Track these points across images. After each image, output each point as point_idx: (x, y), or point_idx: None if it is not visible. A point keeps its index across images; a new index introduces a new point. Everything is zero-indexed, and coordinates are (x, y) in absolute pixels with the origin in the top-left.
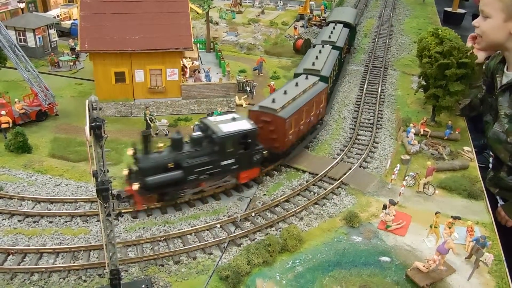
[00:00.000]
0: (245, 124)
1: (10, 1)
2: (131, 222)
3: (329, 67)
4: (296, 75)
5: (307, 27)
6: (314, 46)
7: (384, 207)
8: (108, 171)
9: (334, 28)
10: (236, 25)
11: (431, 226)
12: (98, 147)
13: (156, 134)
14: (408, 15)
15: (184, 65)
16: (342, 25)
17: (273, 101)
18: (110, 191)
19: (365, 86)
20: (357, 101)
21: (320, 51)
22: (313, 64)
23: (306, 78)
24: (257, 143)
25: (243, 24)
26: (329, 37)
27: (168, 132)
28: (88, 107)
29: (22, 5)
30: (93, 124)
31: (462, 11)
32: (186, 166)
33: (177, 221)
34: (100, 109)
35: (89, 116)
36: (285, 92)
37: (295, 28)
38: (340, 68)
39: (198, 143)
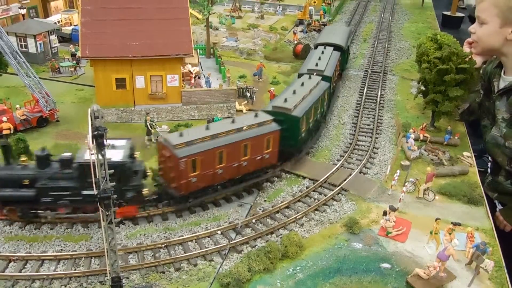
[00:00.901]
0: (118, 155)
1: (11, 7)
2: (132, 228)
3: (306, 107)
4: (267, 112)
5: (306, 32)
6: (299, 76)
7: (385, 213)
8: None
9: (322, 52)
10: (235, 30)
11: (431, 233)
12: (100, 155)
13: (156, 140)
14: (407, 20)
15: (189, 70)
16: (332, 48)
17: (181, 135)
18: (111, 199)
19: (365, 91)
20: (356, 107)
21: (302, 84)
22: (285, 100)
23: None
24: (134, 179)
25: (243, 29)
26: (316, 64)
27: None
28: (91, 115)
29: (23, 11)
30: (96, 132)
31: (461, 14)
32: (40, 186)
33: (178, 227)
34: (102, 117)
35: (92, 125)
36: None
37: (295, 33)
38: (329, 102)
39: (67, 165)
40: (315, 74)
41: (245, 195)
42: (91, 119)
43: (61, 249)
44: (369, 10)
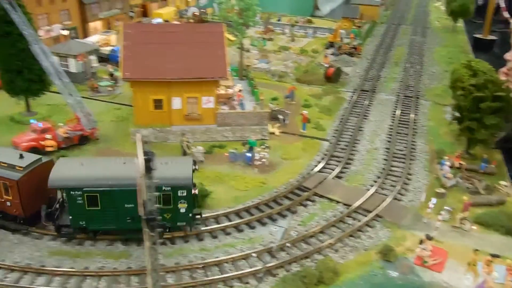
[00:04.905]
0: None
1: (53, 28)
2: (170, 248)
3: None
4: None
5: (337, 55)
6: None
7: (420, 241)
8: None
9: None
10: (267, 52)
11: (469, 264)
12: (147, 178)
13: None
14: (439, 43)
15: (227, 92)
16: None
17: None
18: (157, 221)
19: (397, 116)
20: (389, 131)
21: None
22: None
23: None
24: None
25: (274, 52)
26: None
27: (204, 158)
28: (139, 141)
29: (66, 33)
30: (145, 157)
31: (493, 37)
32: None
33: (214, 248)
34: (148, 142)
35: (141, 150)
36: None
37: (326, 56)
38: None
39: None
40: None
41: (279, 218)
42: (140, 144)
43: (103, 266)
44: (399, 33)
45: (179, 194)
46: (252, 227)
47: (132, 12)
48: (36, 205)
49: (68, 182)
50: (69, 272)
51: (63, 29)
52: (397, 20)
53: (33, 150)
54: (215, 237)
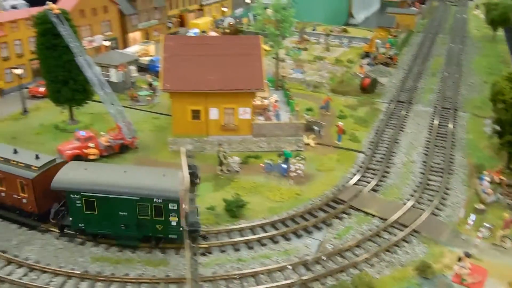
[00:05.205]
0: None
1: (95, 38)
2: (207, 257)
3: None
4: None
5: (373, 66)
6: None
7: (459, 259)
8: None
9: None
10: (302, 62)
11: (510, 284)
12: (191, 191)
13: (228, 171)
14: (478, 53)
15: (263, 102)
16: None
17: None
18: (199, 232)
19: (435, 128)
20: (426, 144)
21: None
22: None
23: None
24: None
25: (309, 61)
26: None
27: (240, 169)
28: (184, 155)
29: (107, 43)
30: (191, 171)
31: None
32: None
33: (250, 259)
34: (192, 156)
35: (186, 164)
36: None
37: (361, 67)
38: None
39: None
40: None
41: (314, 230)
42: (185, 159)
43: (142, 273)
44: (437, 42)
45: (169, 207)
46: (288, 239)
47: (170, 22)
48: (49, 203)
49: (69, 185)
50: (110, 278)
51: (105, 40)
52: (434, 29)
53: (77, 158)
54: (251, 247)
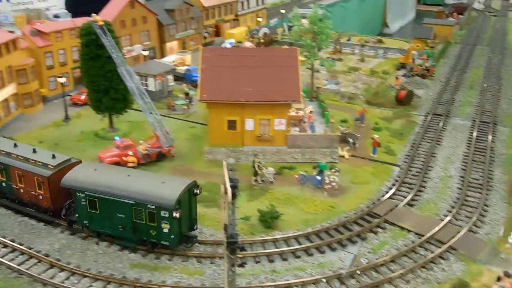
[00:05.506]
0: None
1: (134, 48)
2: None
3: None
4: None
5: (409, 77)
6: None
7: (498, 279)
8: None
9: None
10: (336, 73)
11: None
12: (231, 203)
13: (262, 181)
14: None
15: (298, 113)
16: None
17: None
18: (237, 244)
19: (473, 143)
20: (464, 159)
21: None
22: None
23: None
24: None
25: (343, 72)
26: None
27: (274, 179)
28: (226, 168)
29: (146, 53)
30: (232, 184)
31: None
32: None
33: (284, 271)
34: (234, 170)
35: (227, 177)
36: None
37: (397, 78)
38: None
39: None
40: None
41: (349, 244)
42: (227, 172)
43: (178, 281)
44: (475, 54)
45: (161, 214)
46: (322, 252)
47: (206, 32)
48: (64, 200)
49: (75, 184)
50: (148, 285)
51: (144, 50)
52: (472, 40)
53: (116, 165)
54: (285, 259)
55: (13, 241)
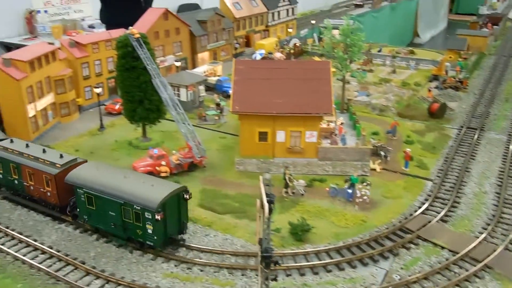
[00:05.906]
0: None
1: (167, 58)
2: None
3: None
4: None
5: (442, 89)
6: None
7: None
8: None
9: None
10: (367, 84)
11: None
12: (267, 218)
13: (293, 193)
14: None
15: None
16: None
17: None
18: (272, 258)
19: (509, 158)
20: (499, 174)
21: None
22: None
23: None
24: None
25: (374, 84)
26: None
27: (305, 192)
28: (263, 183)
29: (178, 63)
30: (268, 199)
31: None
32: None
33: (315, 285)
34: (273, 185)
35: (264, 193)
36: None
37: (429, 90)
38: None
39: None
40: None
41: (381, 259)
42: (264, 187)
43: None
44: (511, 65)
45: (146, 215)
46: (353, 266)
47: (237, 43)
48: (69, 197)
49: (76, 181)
50: None
51: (176, 60)
52: (507, 51)
53: (149, 174)
54: (316, 273)
55: (50, 247)
